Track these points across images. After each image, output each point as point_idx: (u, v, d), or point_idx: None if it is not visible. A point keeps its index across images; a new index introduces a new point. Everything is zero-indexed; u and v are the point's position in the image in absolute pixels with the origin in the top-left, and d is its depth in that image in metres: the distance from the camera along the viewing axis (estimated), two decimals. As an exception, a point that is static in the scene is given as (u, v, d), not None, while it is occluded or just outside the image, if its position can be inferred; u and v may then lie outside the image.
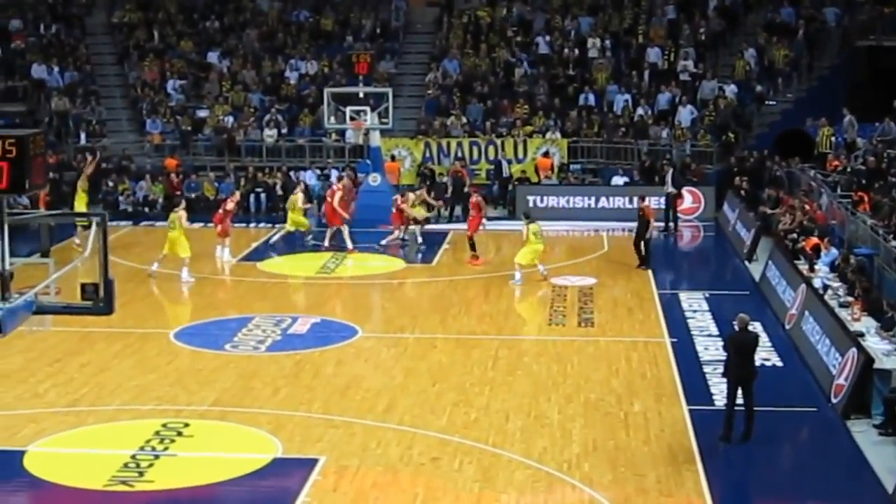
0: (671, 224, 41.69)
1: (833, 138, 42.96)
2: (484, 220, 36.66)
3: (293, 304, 31.92)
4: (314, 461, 20.07)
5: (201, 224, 37.83)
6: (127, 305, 28.90)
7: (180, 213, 33.73)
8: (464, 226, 38.37)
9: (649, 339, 28.10)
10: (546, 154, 46.40)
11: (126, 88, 51.49)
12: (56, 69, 50.27)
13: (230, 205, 36.97)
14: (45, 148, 16.33)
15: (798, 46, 48.72)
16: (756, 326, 25.65)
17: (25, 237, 21.21)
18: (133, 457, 20.48)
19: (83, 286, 15.40)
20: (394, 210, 38.87)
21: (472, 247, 35.97)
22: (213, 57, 51.97)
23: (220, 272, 35.76)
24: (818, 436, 22.32)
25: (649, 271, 34.81)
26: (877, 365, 22.77)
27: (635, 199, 38.63)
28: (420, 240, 38.96)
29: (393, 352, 27.46)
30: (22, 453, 20.57)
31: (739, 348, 21.62)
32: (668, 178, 41.99)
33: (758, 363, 22.59)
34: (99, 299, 15.23)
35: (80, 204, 37.13)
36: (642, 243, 35.35)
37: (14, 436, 21.44)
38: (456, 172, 44.42)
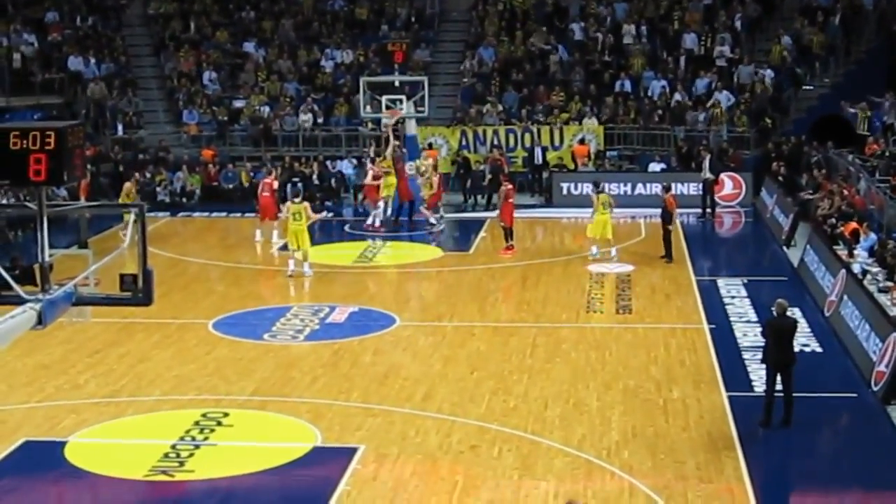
0: (709, 210, 41.60)
1: (871, 122, 42.77)
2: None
3: (331, 293, 31.85)
4: (353, 450, 20.10)
5: (239, 214, 37.92)
6: (165, 296, 29.05)
7: (305, 205, 33.64)
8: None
9: (688, 325, 28.05)
10: (582, 141, 46.39)
11: (162, 80, 51.64)
12: (93, 61, 50.48)
13: (274, 184, 37.29)
14: (84, 140, 16.38)
15: (833, 30, 48.52)
16: (795, 312, 25.51)
17: (64, 229, 21.34)
18: (173, 447, 20.55)
19: (122, 277, 15.44)
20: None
21: (508, 236, 35.85)
22: (248, 47, 52.06)
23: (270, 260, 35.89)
24: (858, 422, 22.13)
25: (687, 258, 34.77)
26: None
27: (658, 187, 38.51)
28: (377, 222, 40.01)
29: (431, 340, 27.44)
30: (63, 444, 20.67)
31: (778, 334, 21.53)
32: (706, 163, 41.93)
33: (797, 349, 22.61)
34: (138, 290, 15.27)
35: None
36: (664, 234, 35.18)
37: (55, 427, 21.55)
38: (495, 161, 44.34)
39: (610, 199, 33.86)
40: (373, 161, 40.85)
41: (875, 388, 22.90)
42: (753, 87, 47.46)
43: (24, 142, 14.06)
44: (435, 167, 40.73)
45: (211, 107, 49.43)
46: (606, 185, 38.35)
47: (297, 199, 33.85)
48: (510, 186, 36.65)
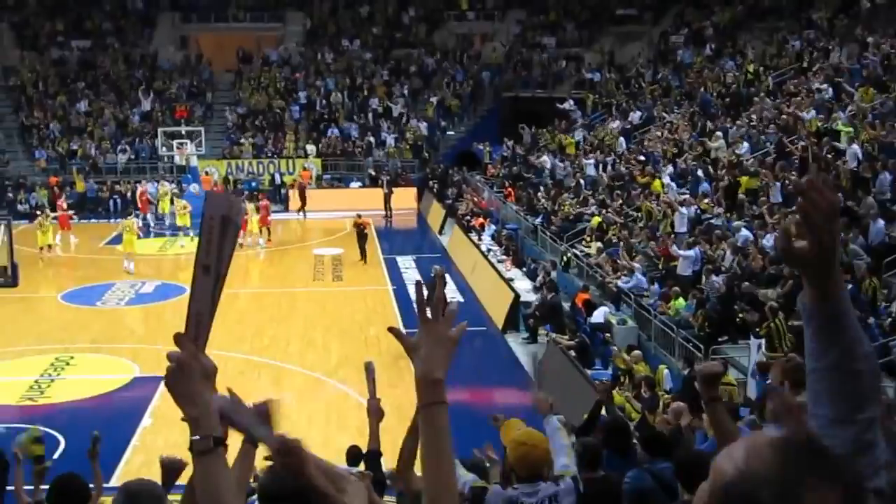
0: (389, 213, 41.67)
1: (492, 154, 43.84)
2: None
3: (141, 272, 30.90)
4: (161, 378, 19.63)
5: (75, 221, 36.51)
6: (27, 278, 27.72)
7: (132, 220, 32.35)
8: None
9: (378, 287, 28.28)
10: (305, 168, 45.82)
11: (20, 128, 48.91)
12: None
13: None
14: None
15: (466, 96, 49.35)
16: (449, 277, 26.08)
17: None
18: (36, 381, 19.86)
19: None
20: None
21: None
22: (80, 106, 49.50)
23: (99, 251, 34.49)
24: (486, 345, 22.78)
25: (377, 243, 35.04)
26: (522, 298, 23.49)
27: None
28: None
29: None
30: (-43, 382, 19.72)
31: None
32: (385, 182, 42.14)
33: (449, 299, 23.10)
34: (8, 276, 14.67)
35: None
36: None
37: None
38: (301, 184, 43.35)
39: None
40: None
41: (499, 326, 23.59)
42: (416, 132, 47.73)
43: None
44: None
45: (55, 147, 47.23)
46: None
47: (128, 217, 33.03)
48: (265, 202, 36.05)
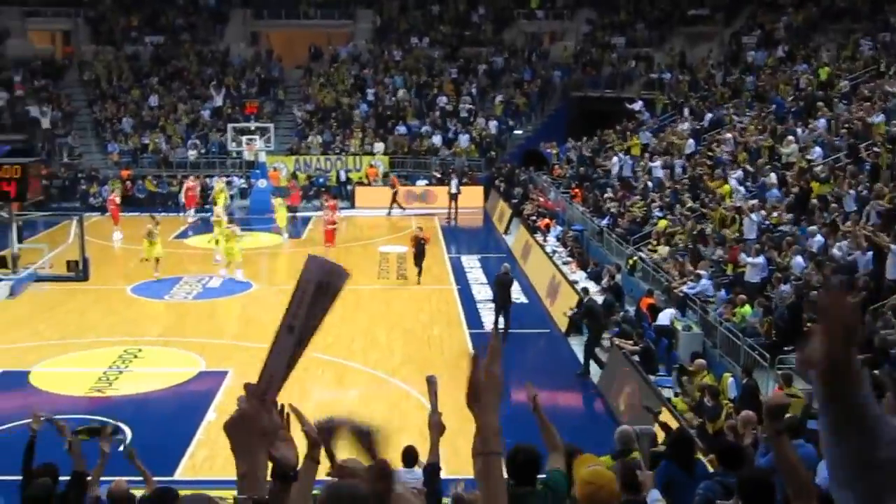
0: (453, 212, 41.63)
1: (558, 155, 43.63)
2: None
3: (209, 267, 31.20)
4: (225, 372, 19.94)
5: (147, 214, 36.96)
6: (97, 270, 28.16)
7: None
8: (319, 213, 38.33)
9: (442, 286, 28.27)
10: (372, 165, 46.02)
11: (93, 122, 49.84)
12: (46, 109, 48.37)
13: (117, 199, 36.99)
14: (39, 170, 15.93)
15: (534, 96, 49.24)
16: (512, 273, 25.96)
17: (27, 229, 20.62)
18: (104, 373, 20.18)
19: (68, 262, 15.10)
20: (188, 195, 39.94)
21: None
22: (152, 101, 50.35)
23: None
24: (548, 347, 22.68)
25: (442, 243, 35.02)
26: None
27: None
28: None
29: (277, 298, 27.16)
30: (28, 372, 20.11)
31: (501, 285, 22.86)
32: (453, 182, 42.04)
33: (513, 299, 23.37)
34: (79, 270, 14.94)
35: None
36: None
37: (22, 361, 20.93)
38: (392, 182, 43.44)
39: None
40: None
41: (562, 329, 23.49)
42: (483, 131, 47.83)
43: (1, 172, 13.64)
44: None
45: (127, 141, 48.01)
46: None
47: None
48: (331, 202, 35.81)
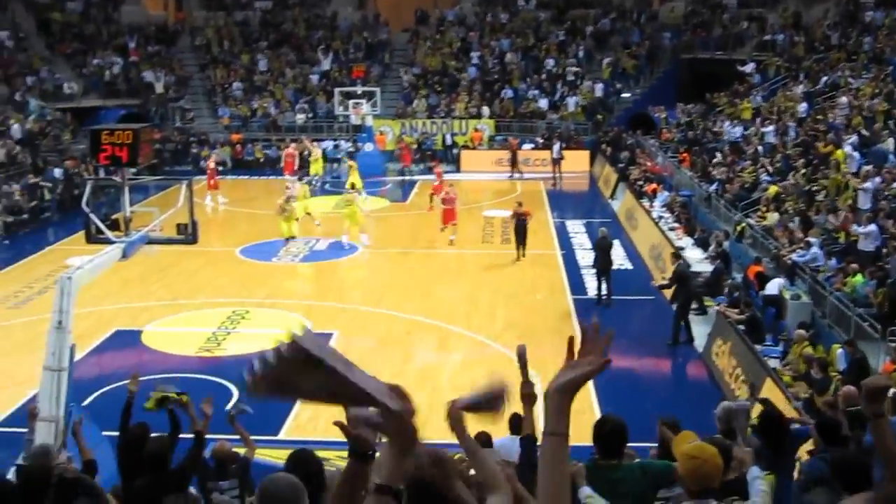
0: (558, 177, 41.38)
1: (667, 119, 42.99)
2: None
3: (314, 229, 31.43)
4: (331, 334, 20.19)
5: (256, 177, 37.55)
6: (206, 233, 28.67)
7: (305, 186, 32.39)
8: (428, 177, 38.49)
9: (546, 251, 28.09)
10: (476, 129, 45.94)
11: (205, 87, 50.79)
12: (159, 74, 49.43)
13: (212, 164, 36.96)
14: (150, 136, 16.30)
15: (642, 58, 48.44)
16: (615, 243, 25.56)
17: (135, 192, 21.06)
18: (213, 333, 20.62)
19: (178, 225, 15.41)
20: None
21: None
22: (261, 65, 50.97)
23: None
24: (656, 316, 22.32)
25: (547, 207, 34.82)
26: (692, 268, 22.96)
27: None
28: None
29: (381, 261, 27.47)
30: (140, 332, 20.68)
31: (602, 248, 22.98)
32: (556, 146, 41.76)
33: (615, 267, 23.24)
34: (188, 233, 15.24)
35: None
36: None
37: (135, 320, 21.54)
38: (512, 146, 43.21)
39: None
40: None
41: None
42: (590, 94, 47.39)
43: (113, 138, 13.96)
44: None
45: (237, 105, 48.80)
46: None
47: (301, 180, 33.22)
48: (438, 168, 35.77)
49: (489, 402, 3.45)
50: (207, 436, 8.93)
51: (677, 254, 22.47)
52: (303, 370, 2.71)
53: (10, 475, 12.33)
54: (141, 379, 10.26)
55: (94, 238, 14.51)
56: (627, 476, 6.18)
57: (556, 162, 41.26)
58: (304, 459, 6.04)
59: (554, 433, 2.70)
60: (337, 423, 2.92)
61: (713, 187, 30.34)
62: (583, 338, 2.92)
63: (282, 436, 15.08)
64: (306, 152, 41.33)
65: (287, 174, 37.46)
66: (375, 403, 2.77)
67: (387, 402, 2.78)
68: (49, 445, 9.06)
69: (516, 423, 10.97)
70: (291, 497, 4.15)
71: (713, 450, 5.63)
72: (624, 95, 47.93)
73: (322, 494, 5.50)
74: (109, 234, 14.29)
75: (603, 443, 6.26)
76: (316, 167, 40.07)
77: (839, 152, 26.63)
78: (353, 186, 31.43)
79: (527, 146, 44.57)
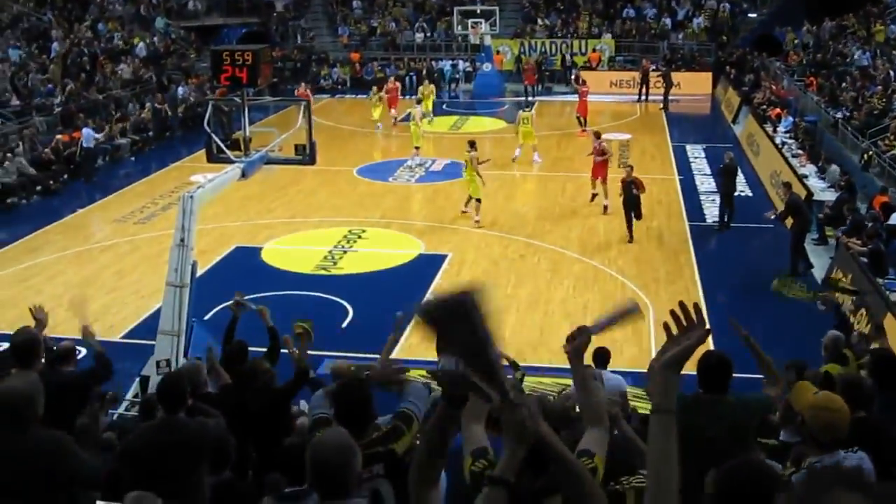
0: (671, 100, 40.46)
1: (793, 41, 41.61)
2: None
3: (430, 150, 31.50)
4: (444, 256, 20.38)
5: (365, 96, 37.56)
6: (325, 152, 28.95)
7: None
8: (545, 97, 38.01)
9: (665, 176, 27.74)
10: (594, 50, 45.15)
11: (325, 5, 50.97)
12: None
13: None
14: (270, 57, 16.50)
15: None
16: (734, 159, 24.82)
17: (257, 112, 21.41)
18: (330, 252, 20.97)
19: (296, 146, 15.62)
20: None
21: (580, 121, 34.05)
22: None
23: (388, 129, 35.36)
24: (777, 245, 21.70)
25: (666, 130, 34.18)
26: (815, 197, 22.41)
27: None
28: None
29: (497, 183, 27.26)
30: (260, 249, 21.15)
31: (726, 172, 22.50)
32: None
33: (737, 193, 22.89)
34: (307, 154, 15.44)
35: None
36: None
37: (255, 238, 22.03)
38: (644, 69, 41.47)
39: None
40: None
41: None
42: (717, 13, 46.09)
43: (233, 59, 14.18)
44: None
45: (357, 24, 48.92)
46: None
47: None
48: (585, 88, 34.71)
49: (623, 318, 3.66)
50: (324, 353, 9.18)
51: (788, 184, 21.70)
52: (460, 323, 2.80)
53: (134, 386, 12.90)
54: (260, 295, 10.56)
55: (215, 157, 14.83)
56: (729, 411, 6.13)
57: (669, 86, 39.65)
58: (349, 388, 5.93)
59: (661, 409, 2.70)
60: (430, 372, 2.98)
61: (840, 113, 29.38)
62: (679, 316, 2.90)
63: (392, 355, 15.31)
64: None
65: (392, 110, 35.94)
66: (502, 389, 2.85)
67: (511, 393, 2.88)
68: (200, 364, 9.41)
69: (602, 357, 11.02)
70: (342, 462, 4.08)
71: (842, 401, 5.50)
72: (750, 15, 46.51)
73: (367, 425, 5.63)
74: (230, 153, 14.59)
75: (708, 377, 6.21)
76: (427, 103, 39.74)
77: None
78: (419, 103, 31.77)
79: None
